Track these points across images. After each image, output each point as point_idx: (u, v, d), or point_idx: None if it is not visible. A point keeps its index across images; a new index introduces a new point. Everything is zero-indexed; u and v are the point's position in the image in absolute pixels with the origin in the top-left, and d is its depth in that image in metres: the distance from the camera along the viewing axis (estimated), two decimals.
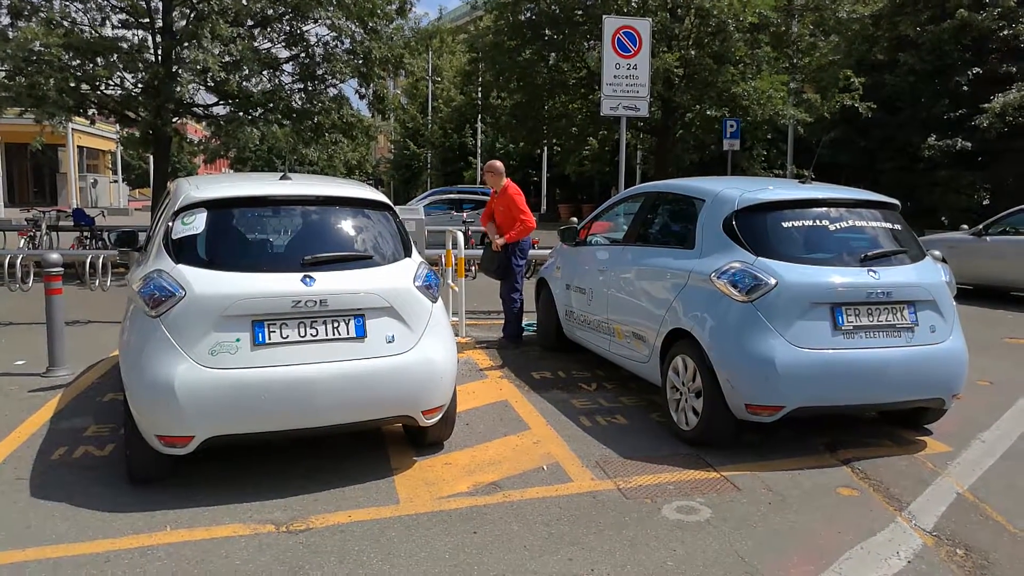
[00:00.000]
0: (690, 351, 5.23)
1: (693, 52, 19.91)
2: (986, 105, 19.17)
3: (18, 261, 9.40)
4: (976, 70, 20.26)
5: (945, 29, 20.23)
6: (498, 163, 8.40)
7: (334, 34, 15.37)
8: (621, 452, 5.06)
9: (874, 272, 5.02)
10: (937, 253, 6.11)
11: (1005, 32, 19.93)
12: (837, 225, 5.37)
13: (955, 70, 20.56)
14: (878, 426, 5.69)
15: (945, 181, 20.44)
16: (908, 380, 5.00)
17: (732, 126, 20.99)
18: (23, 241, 14.57)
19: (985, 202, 19.66)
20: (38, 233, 15.05)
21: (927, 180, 20.92)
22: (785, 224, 5.30)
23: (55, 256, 7.01)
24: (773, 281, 4.88)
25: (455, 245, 8.80)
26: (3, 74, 13.50)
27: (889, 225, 5.48)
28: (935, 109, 20.71)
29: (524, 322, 8.69)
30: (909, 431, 5.54)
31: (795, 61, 21.42)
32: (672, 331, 5.44)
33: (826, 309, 4.89)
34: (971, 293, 11.95)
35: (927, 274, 5.24)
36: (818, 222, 5.34)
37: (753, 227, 5.26)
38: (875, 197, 5.66)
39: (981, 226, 12.62)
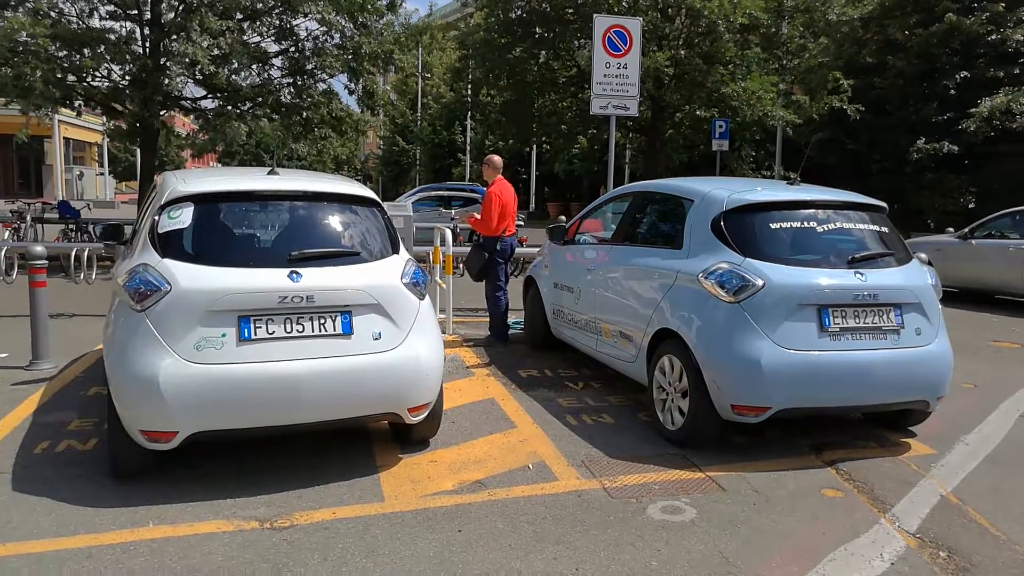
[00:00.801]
0: (677, 351, 5.23)
1: (683, 52, 19.94)
2: (973, 109, 19.28)
3: (2, 253, 9.31)
4: (964, 74, 20.36)
5: (934, 33, 20.34)
6: (496, 158, 8.37)
7: (324, 28, 15.30)
8: (607, 451, 5.06)
9: (861, 274, 5.04)
10: (923, 256, 6.15)
11: (993, 36, 20.05)
12: (825, 227, 5.39)
13: (943, 74, 20.68)
14: (863, 427, 5.71)
15: (932, 184, 20.56)
16: (893, 382, 5.02)
17: (721, 127, 21.04)
18: (7, 233, 14.46)
19: (971, 205, 19.78)
20: (23, 225, 14.94)
21: (914, 183, 21.03)
22: (773, 225, 5.32)
23: (39, 248, 6.95)
24: (760, 282, 4.89)
25: (443, 242, 8.79)
26: None
27: (876, 227, 5.50)
28: (923, 112, 20.81)
29: (511, 320, 8.69)
30: (894, 433, 5.57)
31: (784, 62, 21.48)
32: (659, 331, 5.45)
33: (813, 311, 4.90)
34: (956, 296, 12.03)
35: (913, 277, 5.27)
36: (806, 223, 5.36)
37: (741, 228, 5.27)
38: (863, 199, 5.68)
39: (967, 229, 12.70)
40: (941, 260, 11.79)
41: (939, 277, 5.64)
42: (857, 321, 4.96)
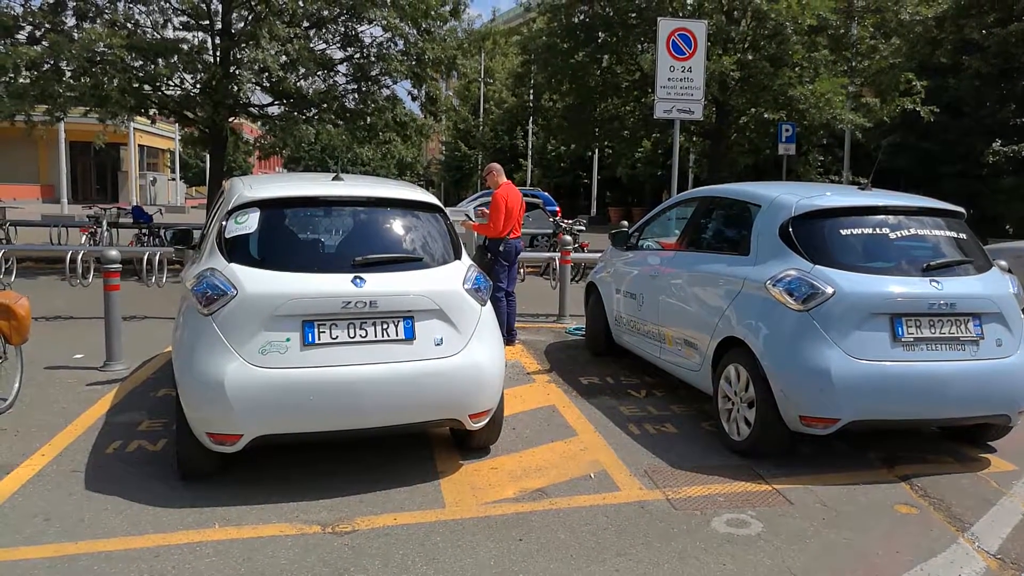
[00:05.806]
0: (743, 360, 5.11)
1: (749, 55, 19.64)
2: None
3: (79, 257, 9.66)
4: None
5: (1012, 32, 19.61)
6: (497, 165, 8.53)
7: (388, 35, 15.50)
8: (670, 461, 4.97)
9: (937, 282, 4.85)
10: (1004, 263, 5.89)
11: None
12: (898, 233, 5.20)
13: (1022, 74, 19.91)
14: (938, 442, 5.50)
15: (1010, 188, 19.81)
16: (972, 395, 4.81)
17: (788, 130, 20.62)
18: (84, 238, 14.96)
19: None
20: (99, 230, 15.44)
21: (991, 187, 20.30)
22: (844, 231, 5.16)
23: (114, 253, 7.16)
24: (830, 290, 4.75)
25: None
26: (69, 74, 13.89)
27: (953, 234, 5.29)
28: (1000, 114, 20.08)
29: (572, 326, 8.65)
30: (971, 448, 5.35)
31: (853, 64, 20.97)
32: (725, 339, 5.33)
33: (885, 320, 4.74)
34: None
35: (994, 285, 5.05)
36: (878, 230, 5.18)
37: (810, 234, 5.13)
38: (939, 204, 5.48)
39: None
40: (1020, 267, 11.27)
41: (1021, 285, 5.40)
42: (933, 331, 4.78)
